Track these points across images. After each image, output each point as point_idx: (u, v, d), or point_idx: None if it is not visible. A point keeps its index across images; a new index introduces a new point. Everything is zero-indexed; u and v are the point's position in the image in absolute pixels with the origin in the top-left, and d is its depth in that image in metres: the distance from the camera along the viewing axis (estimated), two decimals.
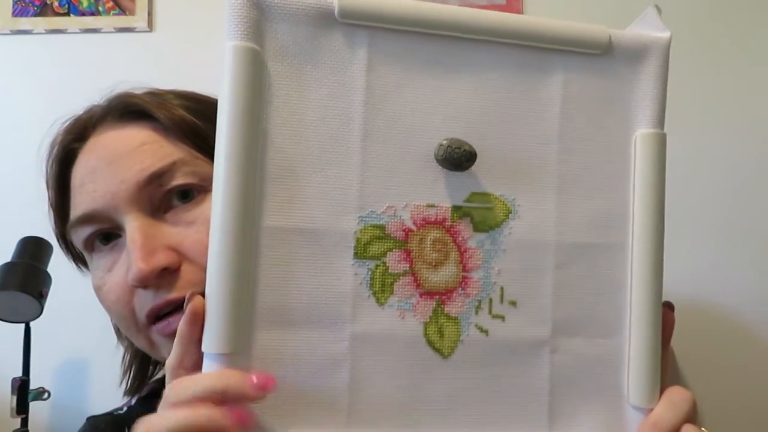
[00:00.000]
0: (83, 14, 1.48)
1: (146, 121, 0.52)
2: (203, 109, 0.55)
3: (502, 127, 0.47)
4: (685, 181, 1.40)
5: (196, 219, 0.50)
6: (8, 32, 1.50)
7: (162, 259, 0.49)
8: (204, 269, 0.46)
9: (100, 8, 1.48)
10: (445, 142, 0.44)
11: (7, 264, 1.25)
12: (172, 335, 0.48)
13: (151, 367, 0.63)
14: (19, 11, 1.49)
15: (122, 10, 1.48)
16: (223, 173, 0.42)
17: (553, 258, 0.47)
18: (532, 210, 0.47)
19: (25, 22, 1.49)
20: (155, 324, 0.51)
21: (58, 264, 1.32)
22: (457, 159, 0.44)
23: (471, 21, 0.46)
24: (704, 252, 1.38)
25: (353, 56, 0.44)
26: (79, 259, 0.57)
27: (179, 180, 0.50)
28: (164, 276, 0.49)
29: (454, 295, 0.46)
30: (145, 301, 0.50)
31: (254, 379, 0.38)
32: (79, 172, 0.53)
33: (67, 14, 1.49)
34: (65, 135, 0.56)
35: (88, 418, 0.65)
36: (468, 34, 0.46)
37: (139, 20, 1.47)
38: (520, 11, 1.42)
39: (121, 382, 0.61)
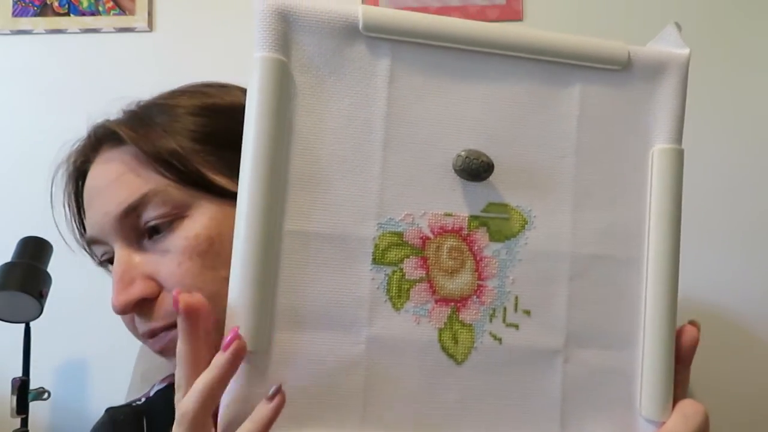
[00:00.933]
0: (83, 14, 1.49)
1: (126, 147, 0.53)
2: (212, 123, 0.55)
3: (520, 139, 0.48)
4: (686, 181, 1.39)
5: (169, 248, 0.51)
6: (8, 32, 1.50)
7: (137, 290, 0.50)
8: None
9: (100, 8, 1.48)
10: (463, 152, 0.46)
11: (7, 264, 1.25)
12: (160, 351, 0.52)
13: None
14: (19, 11, 1.49)
15: (122, 10, 1.48)
16: (249, 178, 0.43)
17: (568, 269, 0.48)
18: (548, 221, 0.48)
19: (25, 22, 1.49)
20: (148, 341, 0.54)
21: (58, 264, 1.32)
22: (475, 169, 0.45)
23: (491, 35, 0.47)
24: (705, 253, 1.38)
25: (376, 68, 0.46)
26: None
27: (150, 212, 0.51)
28: (144, 304, 0.51)
29: (469, 302, 0.47)
30: (137, 325, 0.53)
31: (273, 404, 0.39)
32: (84, 197, 0.57)
33: (67, 14, 1.49)
34: (77, 155, 0.59)
35: (107, 410, 0.67)
36: (488, 49, 0.47)
37: (139, 20, 1.47)
38: (519, 11, 1.42)
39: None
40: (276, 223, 0.44)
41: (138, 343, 1.24)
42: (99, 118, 0.58)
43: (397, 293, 0.45)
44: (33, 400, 1.28)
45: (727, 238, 1.38)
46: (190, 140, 0.53)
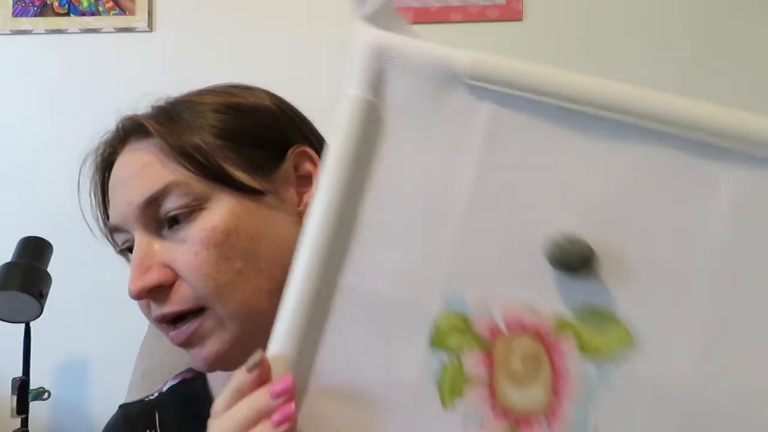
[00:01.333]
0: (83, 14, 1.49)
1: (152, 139, 0.55)
2: (235, 121, 0.57)
3: (637, 229, 0.38)
4: None
5: (186, 238, 0.52)
6: (8, 32, 1.50)
7: (154, 277, 0.52)
8: (193, 287, 0.51)
9: (100, 8, 1.48)
10: (559, 236, 0.37)
11: (7, 264, 1.25)
12: (181, 344, 0.53)
13: None
14: (19, 11, 1.49)
15: (122, 10, 1.48)
16: (315, 224, 0.40)
17: (681, 418, 0.36)
18: (665, 346, 0.37)
19: (25, 22, 1.49)
20: (167, 329, 0.54)
21: (58, 264, 1.32)
22: (571, 260, 0.37)
23: (621, 99, 0.39)
24: None
25: (473, 120, 0.40)
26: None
27: (171, 202, 0.53)
28: (160, 291, 0.52)
29: (535, 424, 0.38)
30: (152, 310, 0.55)
31: (275, 390, 0.38)
32: (109, 186, 0.58)
33: (67, 14, 1.49)
34: (105, 146, 0.60)
35: (120, 406, 0.68)
36: (614, 114, 0.38)
37: (139, 20, 1.47)
38: (519, 11, 1.42)
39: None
40: (333, 277, 0.40)
41: (138, 343, 1.24)
42: (128, 112, 0.60)
43: (450, 388, 0.38)
44: (33, 400, 1.28)
45: None
46: (213, 136, 0.55)
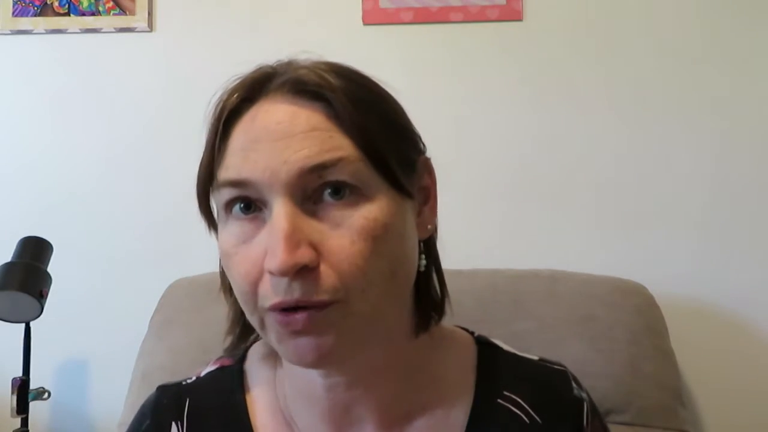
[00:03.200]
0: (83, 14, 1.49)
1: (321, 103, 0.49)
2: (403, 118, 0.55)
3: None
4: (687, 180, 1.40)
5: (343, 221, 0.48)
6: (8, 32, 1.50)
7: (305, 255, 0.46)
8: (340, 276, 0.47)
9: (100, 8, 1.48)
10: None
11: (7, 264, 1.25)
12: (291, 332, 0.48)
13: (251, 337, 0.62)
14: (19, 11, 1.49)
15: (122, 10, 1.48)
16: None
17: None
18: None
19: (25, 22, 1.49)
20: (277, 313, 0.48)
21: (58, 264, 1.32)
22: None
23: None
24: (706, 253, 1.38)
25: None
26: (212, 224, 0.55)
27: (338, 176, 0.48)
28: (303, 272, 0.47)
29: None
30: (276, 291, 0.48)
31: None
32: (241, 135, 0.51)
33: (67, 14, 1.49)
34: (231, 93, 0.52)
35: (159, 387, 0.65)
36: None
37: (139, 20, 1.47)
38: (519, 11, 1.42)
39: (225, 339, 0.61)
40: None
41: (138, 343, 1.24)
42: (284, 58, 0.54)
43: None
44: (33, 400, 1.28)
45: (728, 239, 1.38)
46: (384, 124, 0.51)
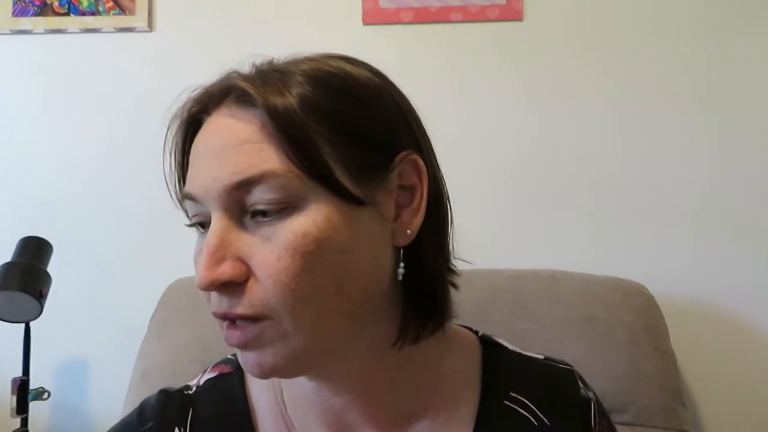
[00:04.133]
0: (83, 14, 1.49)
1: (259, 112, 0.48)
2: (351, 110, 0.50)
3: None
4: (686, 180, 1.40)
5: (272, 236, 0.46)
6: (8, 32, 1.50)
7: (227, 271, 0.46)
8: (268, 292, 0.46)
9: (100, 8, 1.48)
10: None
11: (7, 264, 1.25)
12: (240, 345, 0.48)
13: None
14: (19, 11, 1.49)
15: (122, 10, 1.48)
16: None
17: None
18: None
19: (25, 22, 1.49)
20: (224, 325, 0.49)
21: (58, 264, 1.32)
22: None
23: None
24: (706, 252, 1.38)
25: None
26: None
27: (263, 193, 0.46)
28: (228, 286, 0.47)
29: None
30: (212, 301, 0.49)
31: None
32: (193, 148, 0.51)
33: (67, 14, 1.49)
34: (192, 104, 0.53)
35: (160, 391, 0.63)
36: None
37: (139, 20, 1.47)
38: (519, 11, 1.42)
39: None
40: None
41: (138, 343, 1.24)
42: (231, 68, 0.53)
43: None
44: (33, 400, 1.28)
45: (728, 239, 1.38)
46: (325, 125, 0.48)
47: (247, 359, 0.49)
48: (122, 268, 1.46)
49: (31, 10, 1.49)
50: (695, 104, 1.40)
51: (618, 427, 0.70)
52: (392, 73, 0.60)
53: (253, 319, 0.47)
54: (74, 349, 1.46)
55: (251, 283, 0.47)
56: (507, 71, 1.43)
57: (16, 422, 1.27)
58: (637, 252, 1.38)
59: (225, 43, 1.46)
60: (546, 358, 0.64)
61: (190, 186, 0.49)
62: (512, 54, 1.43)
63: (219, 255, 0.46)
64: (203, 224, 0.50)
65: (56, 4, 1.49)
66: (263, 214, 0.47)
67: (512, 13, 1.43)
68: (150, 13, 1.48)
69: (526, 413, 0.57)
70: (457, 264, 0.57)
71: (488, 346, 0.62)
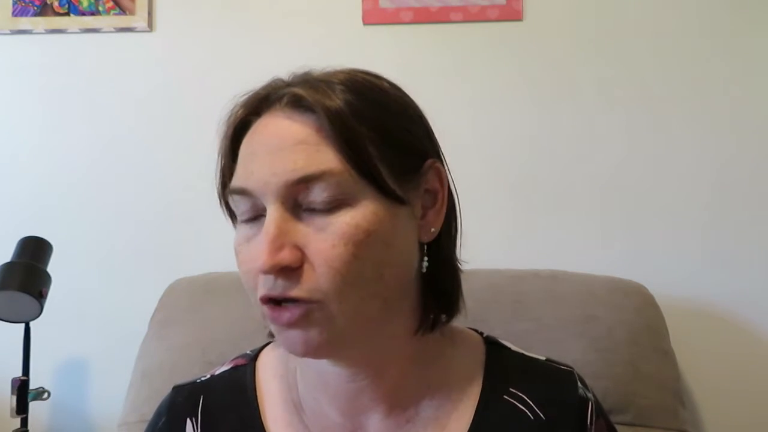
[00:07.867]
0: (83, 14, 1.48)
1: (314, 117, 0.53)
2: (392, 125, 0.56)
3: None
4: (687, 180, 1.39)
5: (326, 227, 0.52)
6: (8, 32, 1.50)
7: (286, 257, 0.51)
8: (319, 277, 0.51)
9: (100, 8, 1.48)
10: None
11: (7, 264, 1.25)
12: (281, 325, 0.53)
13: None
14: (19, 11, 1.49)
15: (122, 10, 1.48)
16: None
17: None
18: None
19: (25, 22, 1.49)
20: (268, 307, 0.53)
21: (58, 264, 1.32)
22: None
23: None
24: (707, 253, 1.38)
25: None
26: (234, 218, 0.61)
27: (321, 191, 0.52)
28: (286, 271, 0.52)
29: None
30: (265, 285, 0.53)
31: None
32: (245, 147, 0.56)
33: (67, 14, 1.49)
34: (242, 107, 0.58)
35: (174, 387, 0.69)
36: None
37: (139, 20, 1.47)
38: (519, 11, 1.42)
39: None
40: None
41: (138, 343, 1.24)
42: (278, 76, 0.59)
43: None
44: (33, 400, 1.28)
45: (729, 239, 1.38)
46: (373, 131, 0.54)
47: (292, 337, 0.53)
48: (122, 268, 1.46)
49: (31, 10, 1.49)
50: (698, 105, 1.40)
51: (618, 427, 0.71)
52: (392, 73, 0.61)
53: (305, 301, 0.52)
54: (74, 349, 1.46)
55: (306, 268, 0.52)
56: (507, 71, 1.43)
57: (16, 422, 1.27)
58: (638, 252, 1.38)
59: (225, 44, 1.46)
60: (548, 359, 0.67)
61: (245, 181, 0.54)
62: (512, 54, 1.43)
63: (278, 242, 0.51)
64: (251, 219, 0.55)
65: (56, 4, 1.49)
66: (317, 207, 0.52)
67: (512, 13, 1.43)
68: (150, 13, 1.48)
69: (523, 408, 0.62)
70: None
71: (492, 345, 0.67)
